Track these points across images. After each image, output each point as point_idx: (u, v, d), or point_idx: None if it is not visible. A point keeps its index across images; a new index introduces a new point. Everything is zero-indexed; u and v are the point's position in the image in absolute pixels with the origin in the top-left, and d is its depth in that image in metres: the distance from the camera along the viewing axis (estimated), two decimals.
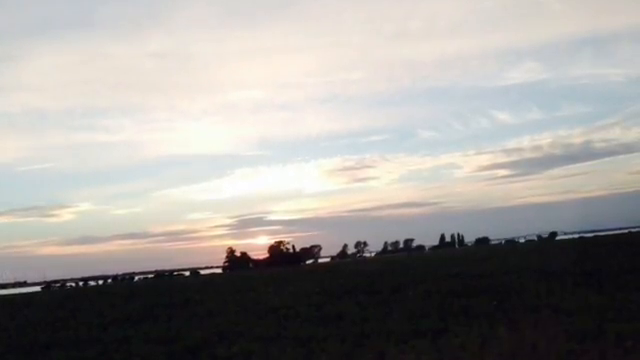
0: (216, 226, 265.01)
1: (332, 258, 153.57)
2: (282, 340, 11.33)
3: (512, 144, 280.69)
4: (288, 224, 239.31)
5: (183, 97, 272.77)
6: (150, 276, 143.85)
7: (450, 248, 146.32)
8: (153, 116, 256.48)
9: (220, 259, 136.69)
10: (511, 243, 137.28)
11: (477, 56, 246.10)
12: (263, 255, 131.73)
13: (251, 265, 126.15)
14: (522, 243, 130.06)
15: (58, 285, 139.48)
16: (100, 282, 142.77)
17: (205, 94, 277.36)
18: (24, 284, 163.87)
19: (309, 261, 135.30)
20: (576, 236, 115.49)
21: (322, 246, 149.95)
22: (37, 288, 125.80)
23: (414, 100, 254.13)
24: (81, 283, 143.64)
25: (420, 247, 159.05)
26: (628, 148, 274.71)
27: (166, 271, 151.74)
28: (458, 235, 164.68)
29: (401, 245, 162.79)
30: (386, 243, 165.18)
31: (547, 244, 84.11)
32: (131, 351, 11.79)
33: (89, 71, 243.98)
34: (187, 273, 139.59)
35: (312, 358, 9.15)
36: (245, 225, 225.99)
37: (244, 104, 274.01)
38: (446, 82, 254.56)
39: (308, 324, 13.45)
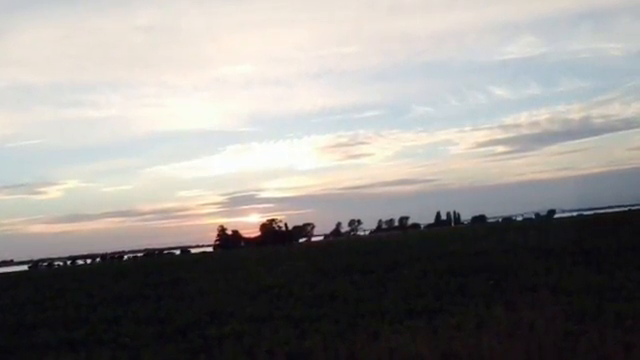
0: (207, 204, 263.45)
1: (325, 236, 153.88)
2: (275, 320, 11.16)
3: (509, 120, 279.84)
4: (280, 202, 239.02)
5: (172, 72, 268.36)
6: (140, 255, 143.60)
7: (446, 226, 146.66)
8: (142, 91, 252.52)
9: (211, 237, 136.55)
10: (508, 221, 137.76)
11: (474, 30, 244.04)
12: (255, 233, 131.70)
13: (243, 244, 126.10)
14: (519, 221, 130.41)
15: (45, 264, 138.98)
16: (88, 261, 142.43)
17: (195, 69, 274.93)
18: (10, 263, 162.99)
19: (302, 239, 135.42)
20: (575, 214, 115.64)
21: (315, 224, 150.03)
22: (24, 267, 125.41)
23: (409, 75, 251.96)
24: (69, 262, 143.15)
25: (415, 225, 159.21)
26: (627, 124, 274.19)
27: (156, 250, 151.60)
28: (454, 213, 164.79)
29: (396, 223, 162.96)
30: (380, 221, 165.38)
31: (545, 222, 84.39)
32: (120, 332, 11.54)
33: (76, 46, 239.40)
34: (177, 252, 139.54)
35: (305, 339, 8.90)
36: (236, 203, 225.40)
37: (235, 79, 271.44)
38: (442, 56, 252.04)
39: (301, 304, 13.29)
